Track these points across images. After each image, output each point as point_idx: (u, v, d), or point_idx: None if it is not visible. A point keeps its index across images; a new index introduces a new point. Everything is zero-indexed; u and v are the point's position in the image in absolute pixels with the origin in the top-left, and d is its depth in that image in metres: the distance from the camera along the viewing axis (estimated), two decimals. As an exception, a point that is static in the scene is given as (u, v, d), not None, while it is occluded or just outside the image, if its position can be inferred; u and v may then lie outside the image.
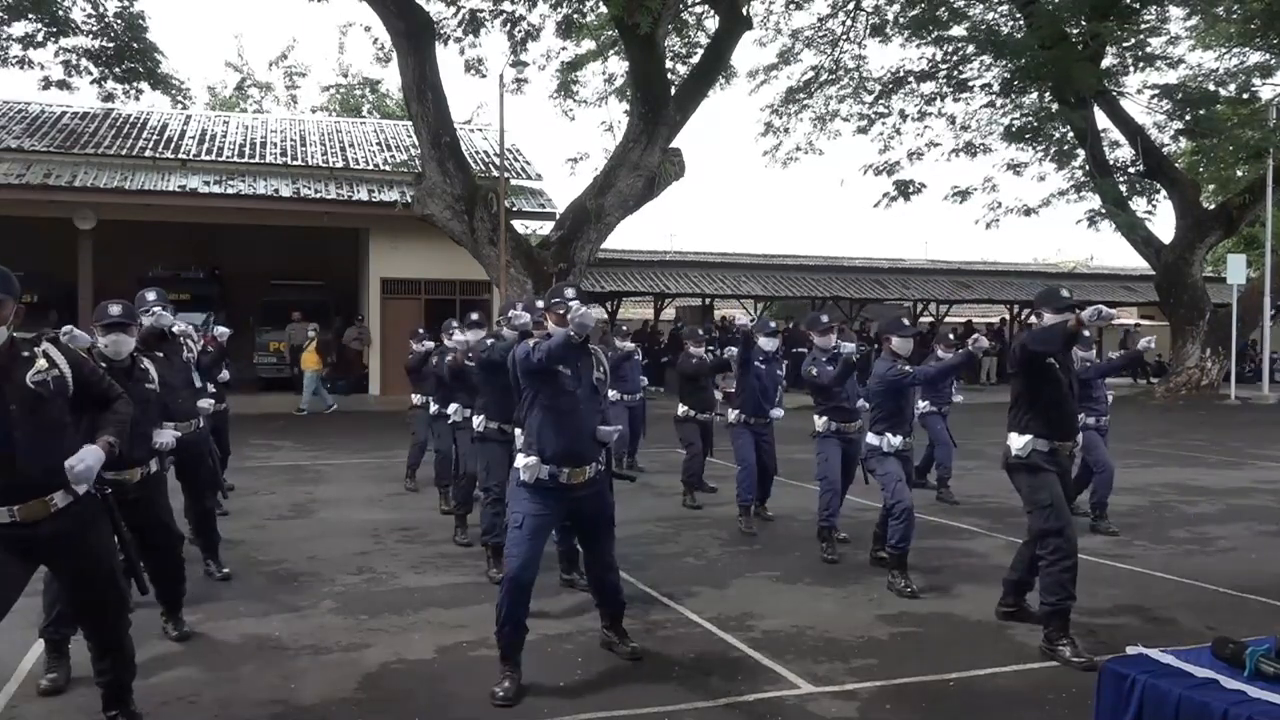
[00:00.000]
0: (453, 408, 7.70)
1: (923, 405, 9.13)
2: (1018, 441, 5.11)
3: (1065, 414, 5.17)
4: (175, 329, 5.81)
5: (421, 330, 10.05)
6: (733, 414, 8.10)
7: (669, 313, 28.03)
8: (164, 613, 5.10)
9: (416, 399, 9.53)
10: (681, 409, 9.14)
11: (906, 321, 6.67)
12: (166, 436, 5.05)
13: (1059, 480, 5.11)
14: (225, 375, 8.88)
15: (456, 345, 7.66)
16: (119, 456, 3.76)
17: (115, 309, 4.72)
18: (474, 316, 7.48)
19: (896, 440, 6.28)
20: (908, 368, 6.30)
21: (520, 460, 4.54)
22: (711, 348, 10.48)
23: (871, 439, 6.37)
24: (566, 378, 4.49)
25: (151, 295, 5.69)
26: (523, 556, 4.42)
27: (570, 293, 4.57)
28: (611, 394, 10.56)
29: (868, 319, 25.32)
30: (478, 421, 6.49)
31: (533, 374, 4.48)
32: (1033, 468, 5.08)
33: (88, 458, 3.40)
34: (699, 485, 9.26)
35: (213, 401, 7.40)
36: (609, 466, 4.80)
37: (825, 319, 7.28)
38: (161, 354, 5.44)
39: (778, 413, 8.12)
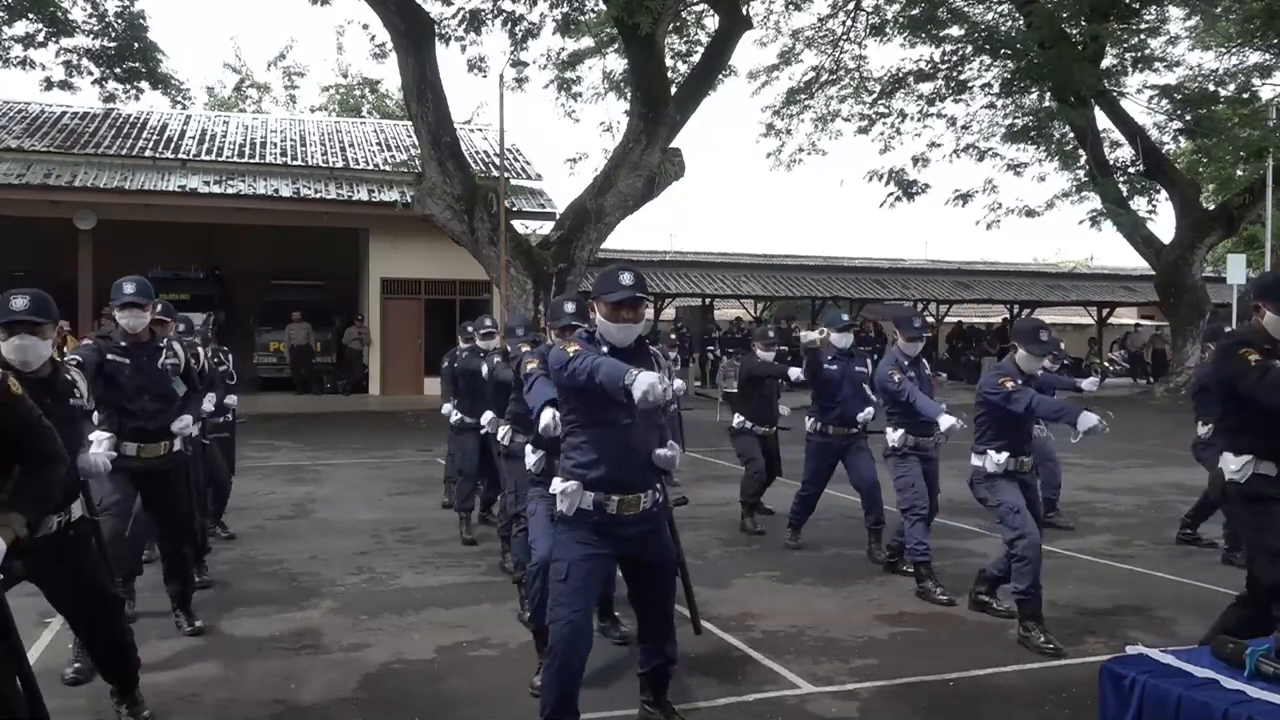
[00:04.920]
0: (487, 417, 6.57)
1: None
2: (1233, 464, 4.09)
3: None
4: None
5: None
6: (809, 422, 7.19)
7: (669, 313, 28.03)
8: (114, 695, 3.93)
9: (448, 409, 8.16)
10: (737, 420, 8.24)
11: (1044, 337, 5.26)
12: (101, 454, 3.98)
13: None
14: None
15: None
16: None
17: (19, 301, 3.39)
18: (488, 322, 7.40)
19: (1001, 458, 5.24)
20: (1020, 388, 5.10)
21: (556, 486, 3.71)
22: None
23: (974, 459, 5.43)
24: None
25: (130, 287, 4.66)
26: (572, 620, 3.58)
27: (628, 279, 3.65)
28: None
29: (867, 318, 25.32)
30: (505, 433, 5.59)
31: (576, 390, 3.65)
32: (1255, 497, 4.06)
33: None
34: (758, 507, 8.15)
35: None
36: (667, 498, 3.96)
37: (916, 322, 6.26)
38: (128, 360, 4.65)
39: (867, 413, 6.95)
